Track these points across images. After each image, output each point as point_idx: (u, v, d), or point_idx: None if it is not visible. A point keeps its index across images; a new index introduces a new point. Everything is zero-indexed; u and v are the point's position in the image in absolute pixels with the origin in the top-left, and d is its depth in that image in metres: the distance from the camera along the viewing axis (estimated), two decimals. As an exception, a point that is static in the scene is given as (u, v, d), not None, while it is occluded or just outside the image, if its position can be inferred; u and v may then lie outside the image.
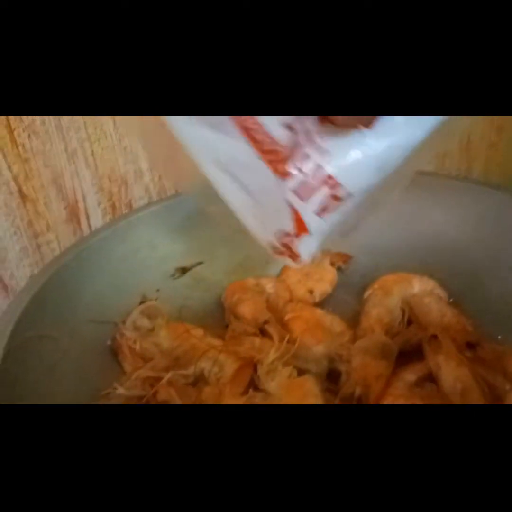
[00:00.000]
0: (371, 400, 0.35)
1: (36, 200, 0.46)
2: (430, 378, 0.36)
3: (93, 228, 0.49)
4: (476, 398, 0.32)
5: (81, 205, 0.48)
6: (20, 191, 0.45)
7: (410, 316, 0.41)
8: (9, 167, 0.44)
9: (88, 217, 0.49)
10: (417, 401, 0.34)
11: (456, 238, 0.46)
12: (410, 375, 0.36)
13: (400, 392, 0.35)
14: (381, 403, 0.34)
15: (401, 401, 0.34)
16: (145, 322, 0.40)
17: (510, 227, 0.43)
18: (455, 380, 0.33)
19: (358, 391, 0.35)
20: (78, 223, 0.49)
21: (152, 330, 0.40)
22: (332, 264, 0.47)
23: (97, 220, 0.49)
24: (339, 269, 0.47)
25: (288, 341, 0.38)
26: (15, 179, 0.44)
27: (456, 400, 0.32)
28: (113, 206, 0.50)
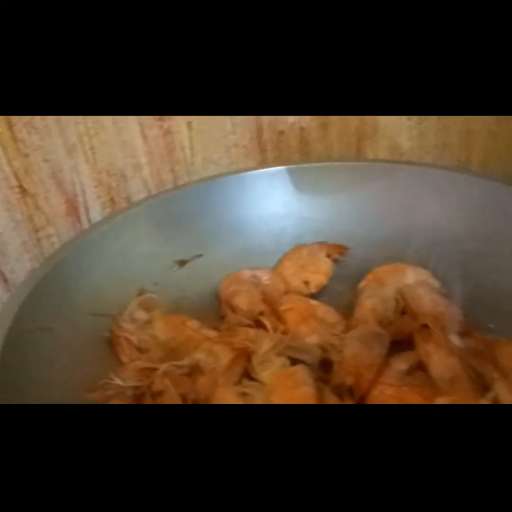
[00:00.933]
0: (362, 389, 0.35)
1: (36, 195, 0.46)
2: (421, 367, 0.37)
3: (92, 222, 0.50)
4: (464, 386, 0.33)
5: (80, 199, 0.49)
6: (20, 186, 0.45)
7: (404, 306, 0.41)
8: (10, 163, 0.44)
9: (87, 211, 0.50)
10: (407, 390, 0.34)
11: (451, 229, 0.46)
12: (401, 364, 0.37)
13: (391, 381, 0.35)
14: (371, 391, 0.35)
15: (391, 390, 0.35)
16: (142, 314, 0.41)
17: (505, 217, 0.43)
18: (444, 368, 0.34)
19: (349, 380, 0.35)
20: (78, 217, 0.49)
21: (148, 322, 0.40)
22: (328, 255, 0.47)
23: (96, 213, 0.50)
24: (335, 260, 0.47)
25: (282, 332, 0.39)
26: (15, 174, 0.45)
27: (445, 388, 0.33)
28: (112, 200, 0.50)
